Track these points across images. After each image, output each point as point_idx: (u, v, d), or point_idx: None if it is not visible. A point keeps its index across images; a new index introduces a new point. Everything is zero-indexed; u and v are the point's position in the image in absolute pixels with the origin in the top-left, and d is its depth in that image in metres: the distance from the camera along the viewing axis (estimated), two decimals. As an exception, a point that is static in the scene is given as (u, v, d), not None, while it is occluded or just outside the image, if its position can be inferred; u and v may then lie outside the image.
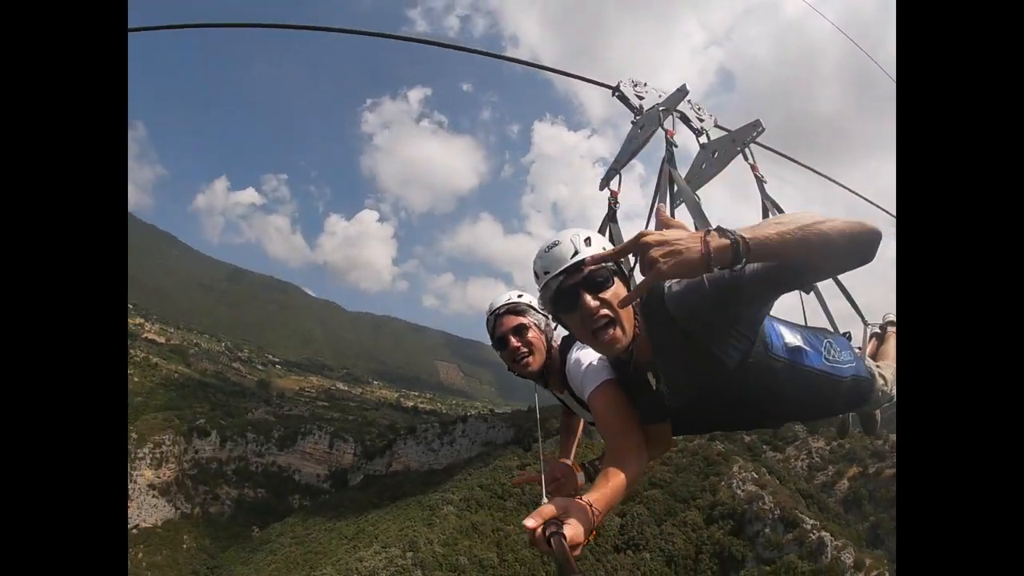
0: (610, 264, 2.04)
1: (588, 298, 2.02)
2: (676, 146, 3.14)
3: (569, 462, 3.00)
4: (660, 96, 3.34)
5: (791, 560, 51.86)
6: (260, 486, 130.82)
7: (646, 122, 3.28)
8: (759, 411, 2.27)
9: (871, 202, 4.29)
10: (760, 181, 3.49)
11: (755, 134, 3.40)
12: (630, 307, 2.07)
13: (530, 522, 1.61)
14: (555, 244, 2.13)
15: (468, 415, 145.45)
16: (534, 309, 2.67)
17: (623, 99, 3.37)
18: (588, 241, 2.11)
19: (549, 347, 2.68)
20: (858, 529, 58.81)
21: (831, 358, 2.34)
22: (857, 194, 4.39)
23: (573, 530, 1.59)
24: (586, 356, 2.42)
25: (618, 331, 2.05)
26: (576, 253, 2.08)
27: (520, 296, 2.73)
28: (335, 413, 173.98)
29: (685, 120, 3.37)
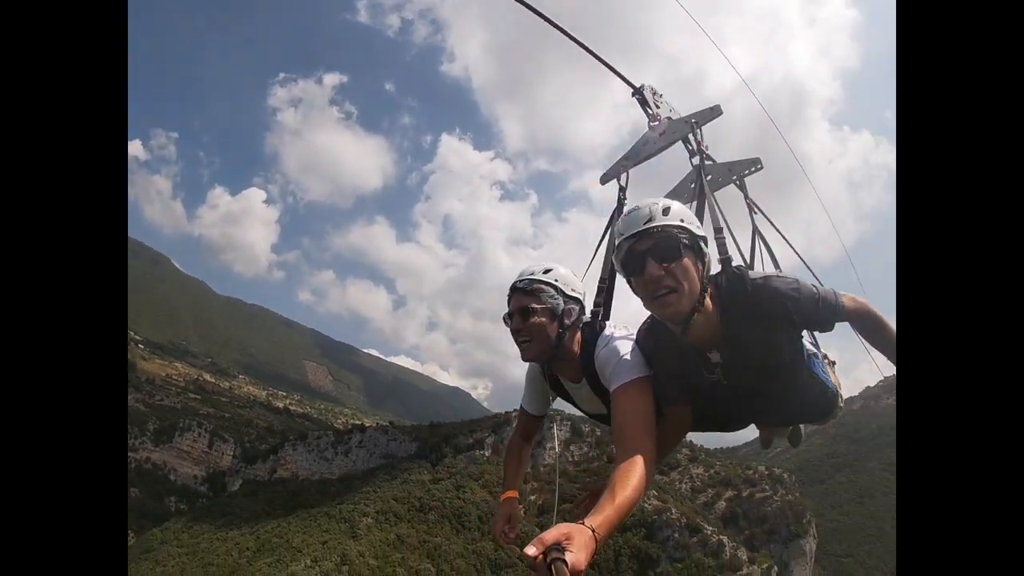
0: (683, 236, 2.10)
1: (653, 264, 2.08)
2: (711, 159, 3.26)
3: (515, 495, 2.90)
4: (672, 111, 3.43)
5: (698, 557, 63.83)
6: (132, 484, 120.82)
7: (670, 129, 3.34)
8: (774, 407, 2.50)
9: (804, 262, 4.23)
10: (752, 209, 3.64)
11: (753, 169, 3.58)
12: (697, 282, 2.10)
13: (531, 550, 1.60)
14: (635, 209, 2.20)
15: (365, 425, 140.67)
16: (557, 290, 2.48)
17: (643, 102, 3.42)
18: (666, 211, 2.13)
19: (562, 333, 2.47)
20: (738, 539, 69.49)
21: (823, 368, 2.56)
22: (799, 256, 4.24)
23: (575, 557, 1.57)
24: (624, 345, 2.38)
25: (679, 300, 2.09)
26: (650, 220, 2.12)
27: (547, 272, 2.52)
28: (209, 408, 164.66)
29: (684, 140, 3.45)
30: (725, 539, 66.06)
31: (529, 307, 2.46)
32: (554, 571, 1.53)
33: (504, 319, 2.57)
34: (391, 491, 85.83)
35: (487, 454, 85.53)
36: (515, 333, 2.51)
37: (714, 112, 3.34)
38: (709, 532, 67.09)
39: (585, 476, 77.26)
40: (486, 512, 70.71)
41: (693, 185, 3.48)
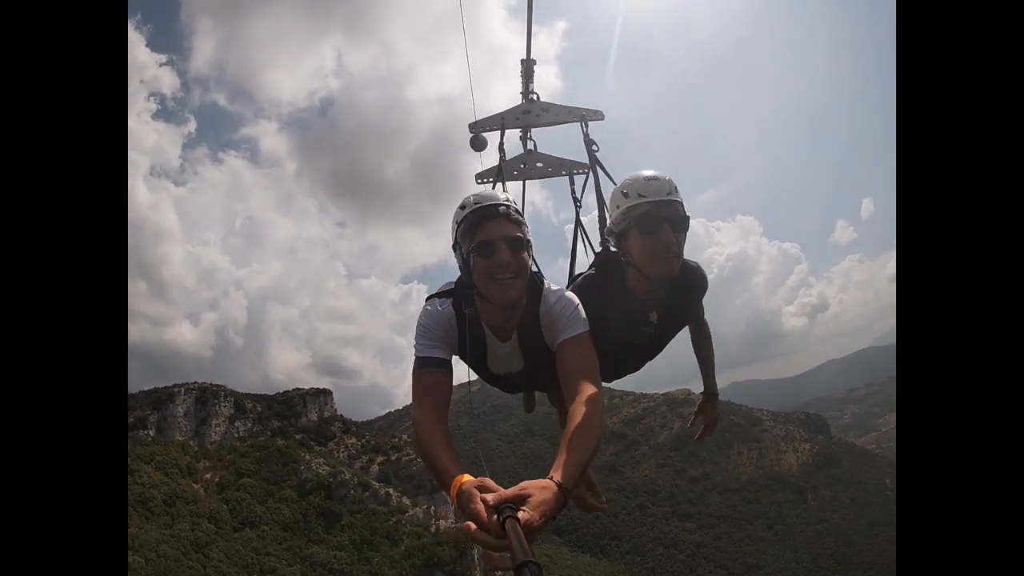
0: (687, 214, 2.46)
1: (668, 231, 2.41)
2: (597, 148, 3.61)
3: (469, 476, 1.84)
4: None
5: (372, 507, 77.64)
6: None
7: (554, 111, 4.09)
8: (648, 359, 3.02)
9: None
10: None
11: (579, 171, 4.17)
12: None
13: (479, 507, 1.54)
14: (654, 177, 2.47)
15: None
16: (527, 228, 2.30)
17: (529, 74, 4.15)
18: (676, 188, 2.48)
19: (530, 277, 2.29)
20: (399, 491, 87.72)
21: None
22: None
23: (528, 515, 1.50)
24: (573, 299, 2.31)
25: (678, 264, 2.48)
26: (671, 192, 2.45)
27: (514, 203, 2.30)
28: None
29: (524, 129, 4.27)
30: (391, 491, 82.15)
31: (521, 238, 2.18)
32: (507, 528, 1.46)
33: (481, 248, 2.14)
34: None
35: (152, 433, 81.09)
36: (503, 267, 2.12)
37: (597, 115, 3.87)
38: (377, 487, 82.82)
39: (254, 452, 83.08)
40: (169, 494, 70.51)
41: (523, 165, 4.37)
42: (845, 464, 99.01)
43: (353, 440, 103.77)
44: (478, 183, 4.39)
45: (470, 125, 4.20)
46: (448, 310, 2.30)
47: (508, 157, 4.23)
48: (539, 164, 4.40)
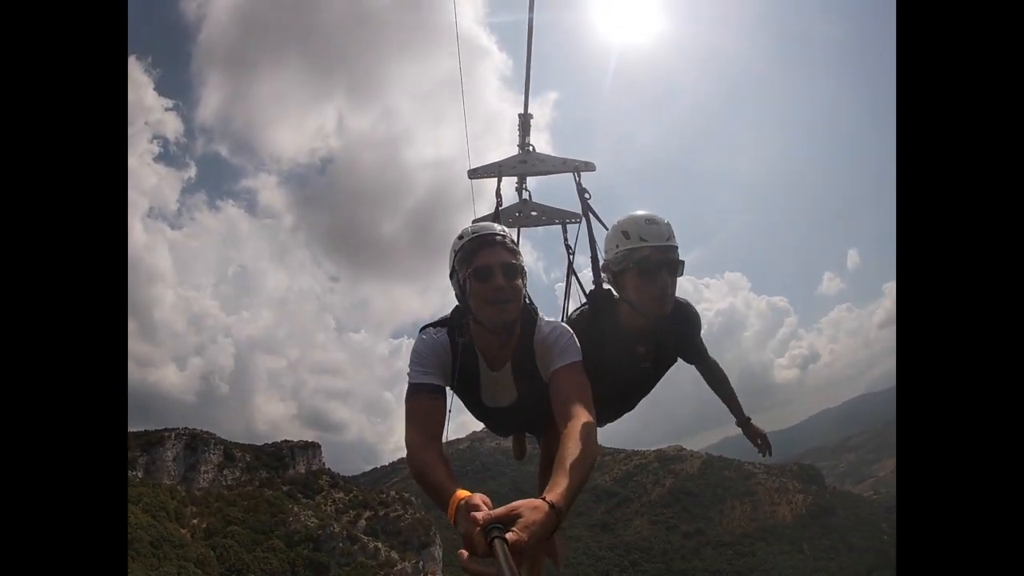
0: (683, 261, 2.65)
1: (666, 275, 2.59)
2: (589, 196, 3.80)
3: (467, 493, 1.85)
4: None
5: (360, 560, 75.61)
6: None
7: (550, 162, 4.27)
8: (643, 395, 3.16)
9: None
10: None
11: (570, 220, 4.57)
12: None
13: (474, 529, 1.50)
14: (654, 221, 2.64)
15: None
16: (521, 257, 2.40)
17: (526, 127, 4.40)
18: (673, 232, 2.67)
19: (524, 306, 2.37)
20: (387, 546, 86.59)
21: None
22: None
23: (517, 536, 1.47)
24: (567, 329, 2.41)
25: (670, 304, 2.66)
26: (670, 238, 2.63)
27: (508, 234, 2.40)
28: None
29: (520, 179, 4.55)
30: (379, 545, 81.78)
31: (516, 265, 2.27)
32: (495, 548, 1.42)
33: (477, 273, 2.22)
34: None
35: (140, 475, 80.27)
36: (498, 291, 2.21)
37: (589, 166, 4.05)
38: (366, 540, 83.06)
39: (242, 500, 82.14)
40: (157, 536, 70.13)
41: (519, 213, 4.67)
42: (840, 512, 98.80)
43: (341, 494, 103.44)
44: None
45: (469, 172, 4.33)
46: (443, 338, 2.35)
47: (505, 205, 4.40)
48: (533, 213, 4.64)
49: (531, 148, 4.43)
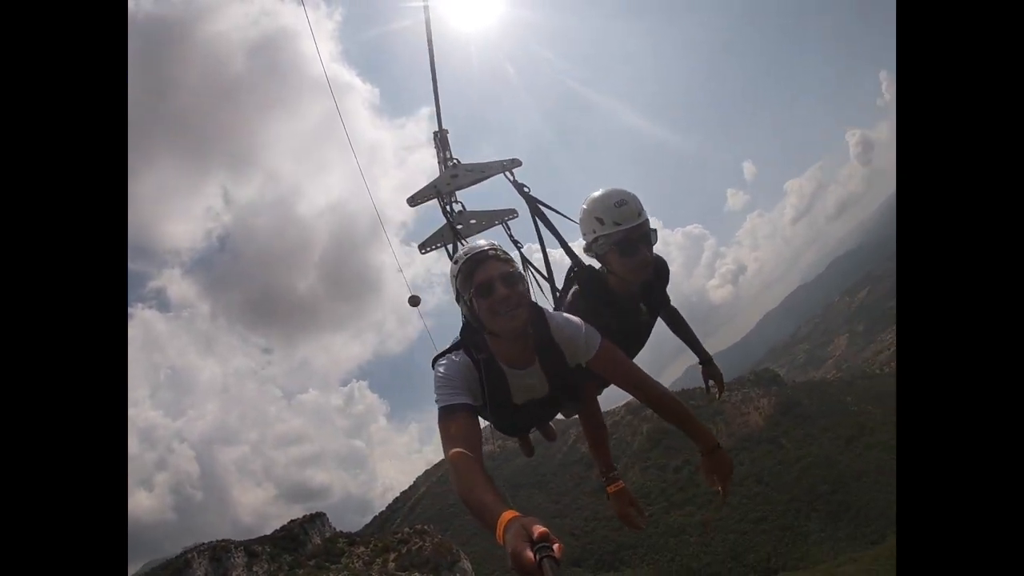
0: (656, 230, 2.88)
1: (644, 249, 2.84)
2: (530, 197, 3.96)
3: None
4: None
5: None
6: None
7: (478, 169, 4.45)
8: (642, 344, 3.34)
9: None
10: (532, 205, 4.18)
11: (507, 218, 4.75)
12: None
13: (522, 546, 1.46)
14: (623, 202, 2.83)
15: None
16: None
17: (444, 143, 4.64)
18: (641, 205, 2.85)
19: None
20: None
21: None
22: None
23: (560, 546, 1.46)
24: (574, 316, 2.62)
25: (649, 270, 2.96)
26: (641, 213, 2.82)
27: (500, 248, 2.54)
28: None
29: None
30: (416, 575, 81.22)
31: (512, 272, 2.39)
32: (543, 569, 1.37)
33: (480, 289, 2.34)
34: None
35: None
36: (503, 301, 2.31)
37: (515, 162, 4.30)
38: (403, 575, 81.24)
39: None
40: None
41: (460, 226, 4.69)
42: (804, 402, 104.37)
43: (361, 549, 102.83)
44: (423, 252, 4.86)
45: (408, 200, 4.51)
46: (463, 358, 2.42)
47: (444, 223, 4.66)
48: (472, 221, 4.74)
49: (455, 161, 4.65)
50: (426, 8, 4.09)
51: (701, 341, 3.68)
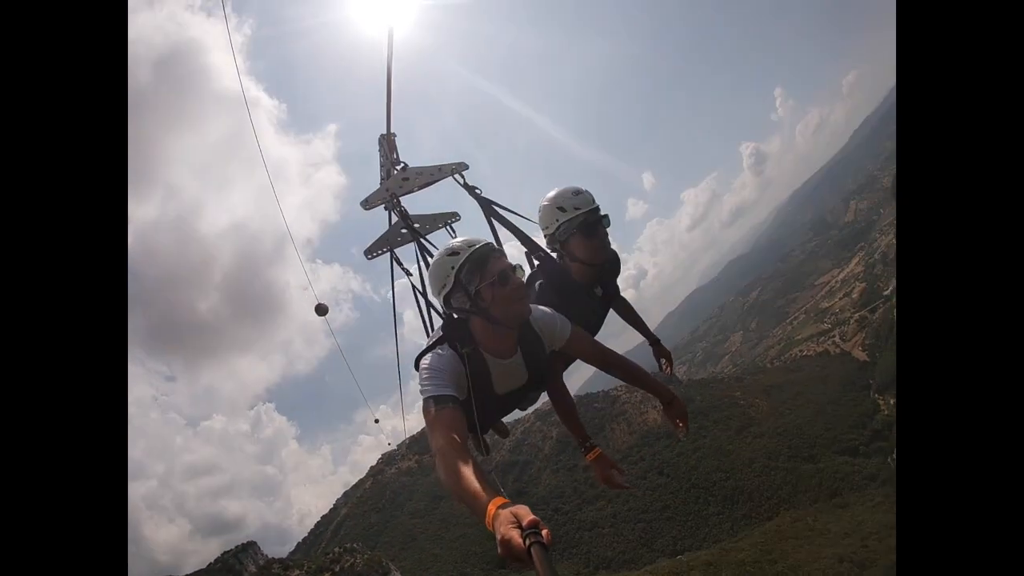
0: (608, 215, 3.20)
1: (603, 231, 3.17)
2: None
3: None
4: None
5: None
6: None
7: (428, 172, 4.40)
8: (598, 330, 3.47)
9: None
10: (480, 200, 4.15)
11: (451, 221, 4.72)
12: None
13: (511, 532, 1.48)
14: (579, 191, 3.19)
15: None
16: None
17: (392, 146, 4.47)
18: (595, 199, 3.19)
19: None
20: None
21: None
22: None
23: (548, 532, 1.47)
24: (546, 307, 2.85)
25: (609, 252, 3.26)
26: (594, 201, 3.19)
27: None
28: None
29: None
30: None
31: (515, 265, 2.56)
32: (532, 555, 1.37)
33: (499, 278, 2.46)
34: None
35: None
36: (519, 288, 2.50)
37: (462, 166, 4.35)
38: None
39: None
40: None
41: (404, 230, 4.56)
42: (697, 398, 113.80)
43: (296, 572, 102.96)
44: (369, 258, 4.80)
45: (362, 203, 4.47)
46: (448, 352, 2.50)
47: (388, 229, 4.70)
48: (416, 225, 4.65)
49: (404, 165, 4.59)
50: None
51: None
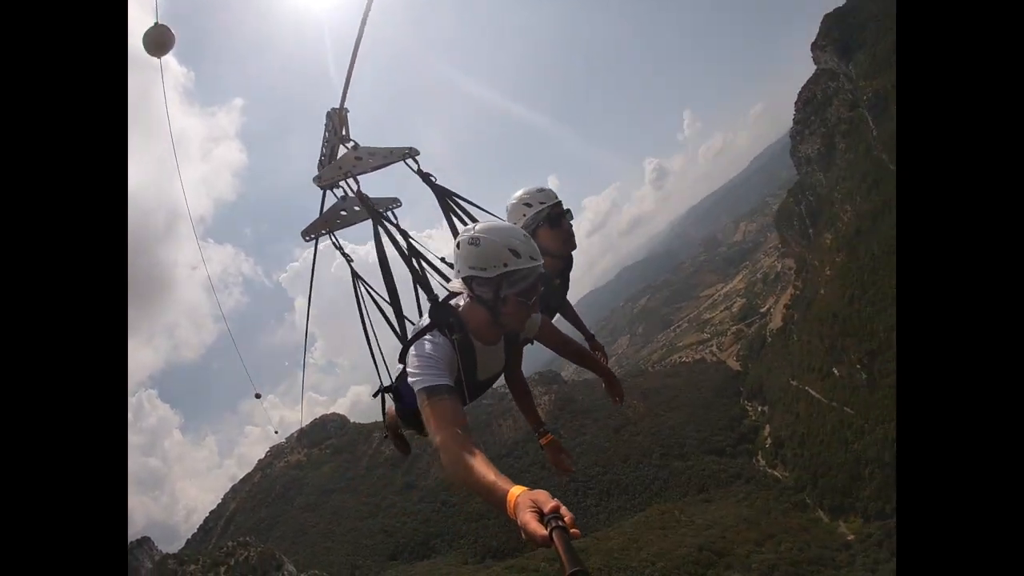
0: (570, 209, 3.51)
1: (567, 221, 3.47)
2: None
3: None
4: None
5: None
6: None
7: (380, 154, 4.16)
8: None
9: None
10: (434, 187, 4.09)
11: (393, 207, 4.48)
12: None
13: (533, 519, 1.52)
14: (543, 188, 3.48)
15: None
16: None
17: (343, 120, 4.14)
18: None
19: None
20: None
21: None
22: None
23: (570, 517, 1.49)
24: None
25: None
26: (556, 195, 3.47)
27: None
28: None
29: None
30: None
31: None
32: (554, 540, 1.39)
33: (524, 294, 2.46)
34: None
35: None
36: (535, 306, 2.58)
37: (413, 151, 4.18)
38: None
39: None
40: None
41: (344, 212, 4.35)
42: (579, 398, 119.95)
43: (192, 567, 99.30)
44: (306, 240, 4.53)
45: (315, 179, 4.29)
46: (441, 338, 2.45)
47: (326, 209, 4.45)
48: (356, 208, 4.48)
49: (354, 143, 4.31)
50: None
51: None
